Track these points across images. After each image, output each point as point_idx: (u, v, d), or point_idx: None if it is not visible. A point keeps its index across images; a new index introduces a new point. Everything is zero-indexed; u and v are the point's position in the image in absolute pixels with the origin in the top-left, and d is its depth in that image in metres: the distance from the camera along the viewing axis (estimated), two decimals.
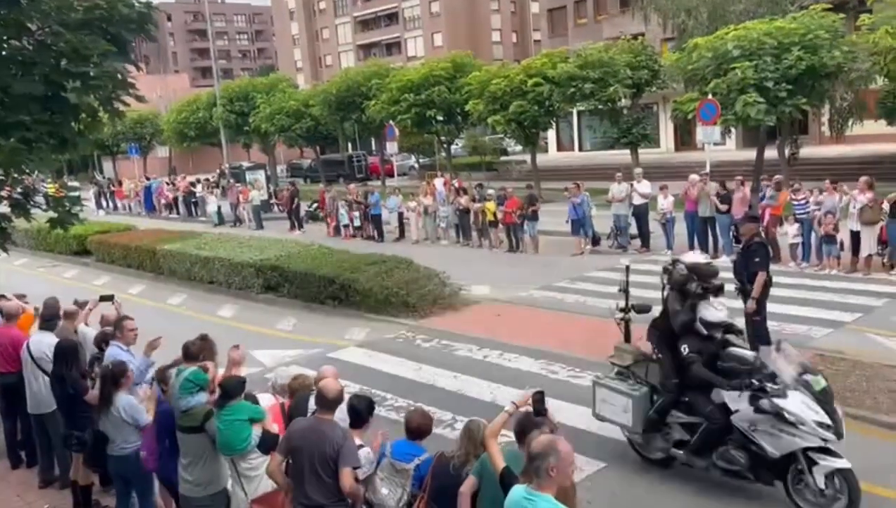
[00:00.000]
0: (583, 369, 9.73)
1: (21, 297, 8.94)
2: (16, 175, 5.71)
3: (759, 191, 17.24)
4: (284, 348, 11.82)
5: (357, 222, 23.36)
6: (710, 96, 20.38)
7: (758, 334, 9.03)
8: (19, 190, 5.84)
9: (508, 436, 4.67)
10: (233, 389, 5.25)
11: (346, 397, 5.21)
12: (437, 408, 8.31)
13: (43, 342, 7.11)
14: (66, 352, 6.64)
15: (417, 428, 5.02)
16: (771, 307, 11.79)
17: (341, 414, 5.08)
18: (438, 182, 25.09)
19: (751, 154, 26.93)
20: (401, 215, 22.85)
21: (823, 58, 20.57)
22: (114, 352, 6.50)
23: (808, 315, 11.46)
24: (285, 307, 14.53)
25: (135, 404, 6.00)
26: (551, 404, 4.66)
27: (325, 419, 4.86)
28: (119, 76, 5.66)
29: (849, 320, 11.25)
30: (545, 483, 3.63)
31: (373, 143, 48.21)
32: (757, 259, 8.89)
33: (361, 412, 5.06)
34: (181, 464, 5.48)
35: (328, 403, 4.87)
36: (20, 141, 5.26)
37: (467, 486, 4.44)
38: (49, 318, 7.52)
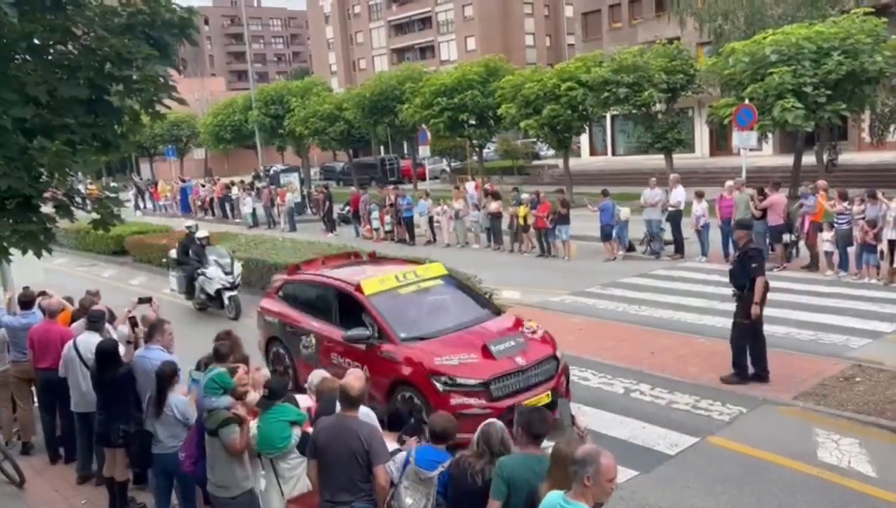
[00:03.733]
0: (614, 376, 9.67)
1: (69, 299, 9.22)
2: (60, 177, 5.84)
3: (800, 197, 16.94)
4: None
5: (388, 226, 23.47)
6: (746, 101, 20.13)
7: (742, 335, 9.11)
8: (63, 192, 5.98)
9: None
10: (279, 389, 5.31)
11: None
12: None
13: (91, 343, 7.22)
14: (107, 352, 6.74)
15: (443, 433, 4.87)
16: (808, 317, 11.70)
17: (365, 410, 5.12)
18: (469, 186, 25.13)
19: (788, 160, 26.52)
20: (431, 219, 22.91)
21: (864, 63, 20.20)
22: (157, 355, 6.60)
23: (845, 325, 11.24)
24: None
25: (187, 402, 6.10)
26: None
27: (351, 415, 4.91)
28: (161, 80, 5.77)
29: (888, 330, 10.99)
30: (580, 491, 3.58)
31: (405, 146, 48.39)
32: (754, 265, 9.02)
33: (403, 416, 5.12)
34: (208, 463, 5.54)
35: (352, 400, 4.92)
36: (65, 143, 5.38)
37: None
38: (96, 320, 7.65)
